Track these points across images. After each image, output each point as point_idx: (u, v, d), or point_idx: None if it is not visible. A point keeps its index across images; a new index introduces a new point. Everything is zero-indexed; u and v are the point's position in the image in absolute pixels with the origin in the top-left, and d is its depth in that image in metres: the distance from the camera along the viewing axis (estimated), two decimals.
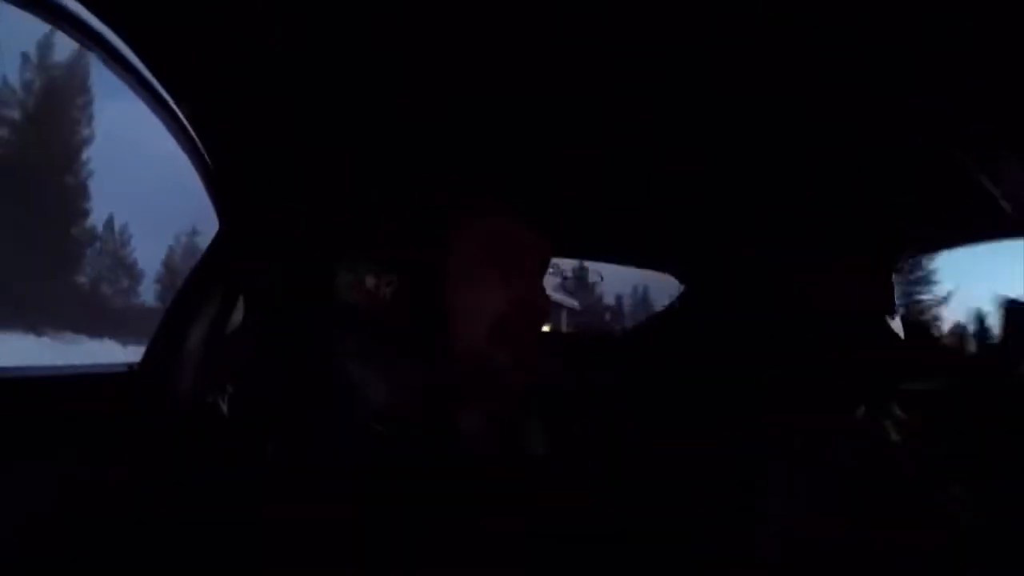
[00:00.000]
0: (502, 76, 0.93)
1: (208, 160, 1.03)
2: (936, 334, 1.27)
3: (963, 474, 1.03)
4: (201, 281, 1.05)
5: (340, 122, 1.01)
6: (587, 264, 1.21)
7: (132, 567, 0.72)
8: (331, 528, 0.68)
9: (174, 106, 0.95)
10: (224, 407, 0.81)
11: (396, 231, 0.80)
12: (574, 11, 0.79)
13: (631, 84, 0.93)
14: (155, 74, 0.91)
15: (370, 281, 0.76)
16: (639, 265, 1.44)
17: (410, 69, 0.91)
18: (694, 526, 0.95)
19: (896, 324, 1.08)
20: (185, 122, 0.97)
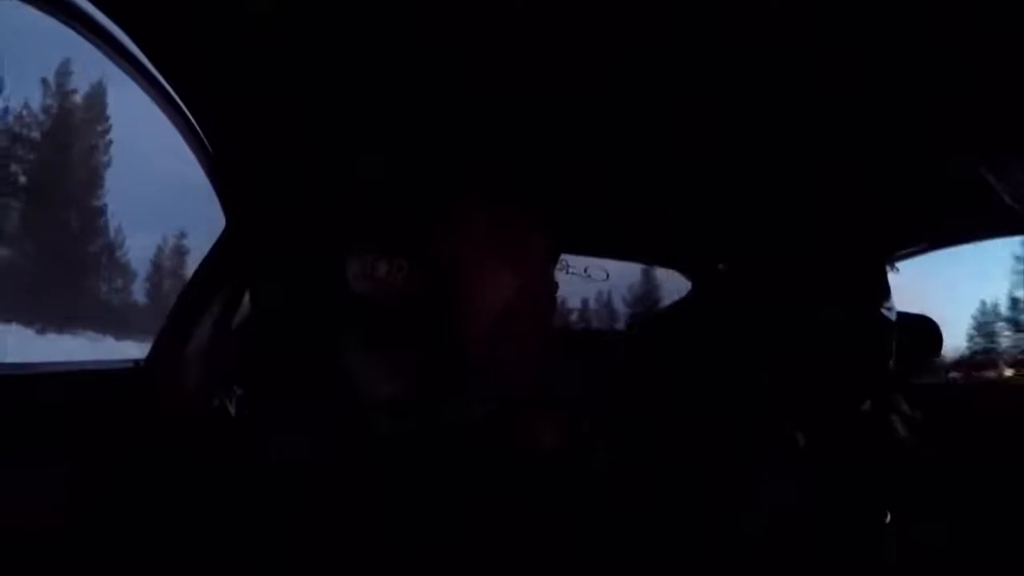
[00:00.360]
0: (508, 70, 0.93)
1: (213, 157, 1.04)
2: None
3: (963, 470, 1.04)
4: (207, 278, 1.06)
5: (343, 117, 1.02)
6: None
7: (137, 565, 0.73)
8: (336, 523, 0.68)
9: (181, 103, 0.96)
10: (231, 406, 0.82)
11: (400, 222, 0.81)
12: (582, 6, 0.80)
13: (635, 81, 0.94)
14: (164, 74, 0.93)
15: (381, 268, 0.76)
16: (642, 262, 1.45)
17: (413, 62, 0.92)
18: (697, 522, 0.95)
19: (894, 320, 1.08)
20: (191, 119, 0.98)
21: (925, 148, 1.08)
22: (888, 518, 0.98)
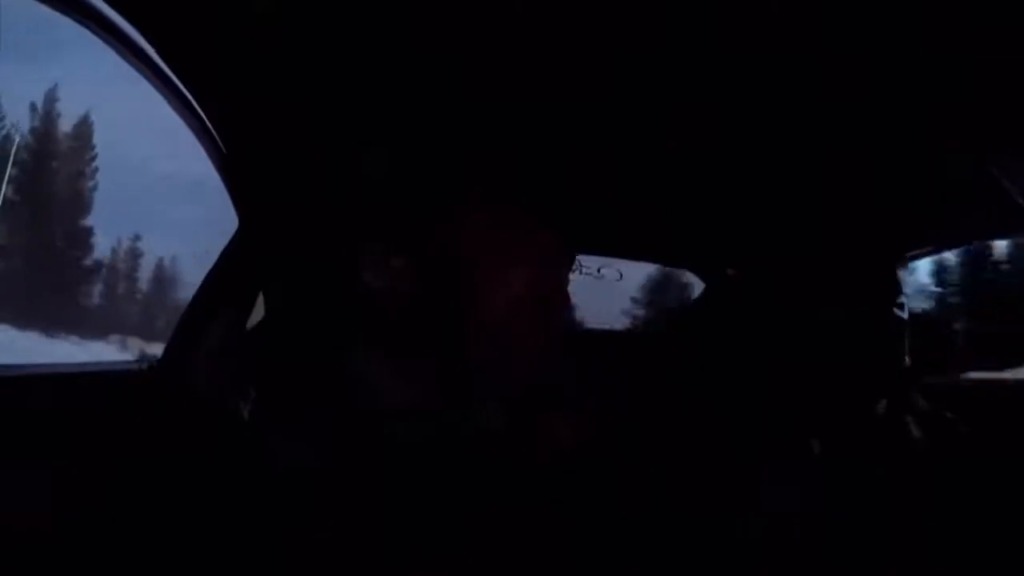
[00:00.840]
0: (514, 68, 0.93)
1: (226, 156, 1.03)
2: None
3: (970, 471, 1.04)
4: (220, 279, 1.05)
5: (357, 116, 1.02)
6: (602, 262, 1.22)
7: (150, 569, 0.73)
8: (347, 528, 0.68)
9: (195, 104, 0.95)
10: (245, 410, 0.81)
11: (413, 223, 0.81)
12: (583, 5, 0.80)
13: (641, 80, 0.94)
14: (176, 72, 0.92)
15: (395, 269, 0.76)
16: (656, 263, 1.45)
17: (421, 61, 0.91)
18: (709, 526, 0.95)
19: (905, 321, 1.08)
20: (206, 120, 0.97)
21: (935, 147, 1.08)
22: (903, 520, 0.99)
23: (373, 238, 0.84)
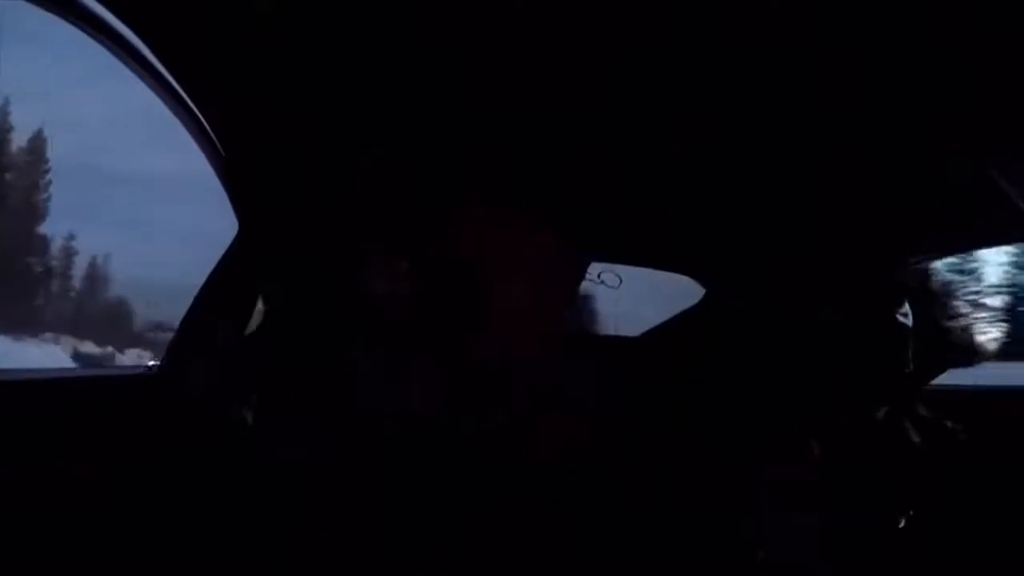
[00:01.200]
0: (514, 70, 0.92)
1: (225, 159, 1.03)
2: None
3: (973, 474, 1.03)
4: (219, 283, 1.05)
5: (359, 120, 1.01)
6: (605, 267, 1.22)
7: (151, 568, 0.72)
8: (347, 528, 0.68)
9: (196, 110, 0.95)
10: (248, 414, 0.81)
11: (412, 225, 0.81)
12: (582, 6, 0.79)
13: (643, 84, 0.93)
14: (175, 76, 0.91)
15: (395, 271, 0.76)
16: (652, 267, 1.45)
17: (422, 64, 0.91)
18: (707, 523, 0.95)
19: (907, 326, 1.08)
20: (206, 125, 0.97)
21: (938, 152, 1.07)
22: (902, 523, 0.98)
23: (372, 239, 0.84)
